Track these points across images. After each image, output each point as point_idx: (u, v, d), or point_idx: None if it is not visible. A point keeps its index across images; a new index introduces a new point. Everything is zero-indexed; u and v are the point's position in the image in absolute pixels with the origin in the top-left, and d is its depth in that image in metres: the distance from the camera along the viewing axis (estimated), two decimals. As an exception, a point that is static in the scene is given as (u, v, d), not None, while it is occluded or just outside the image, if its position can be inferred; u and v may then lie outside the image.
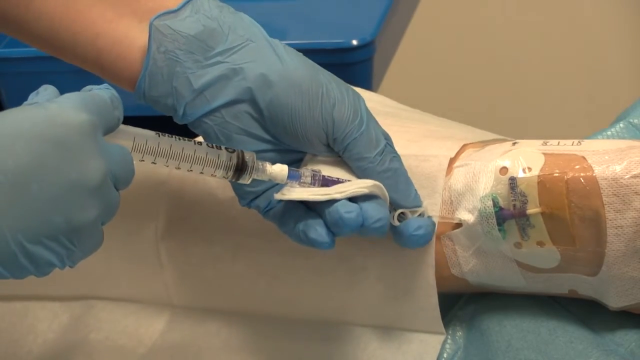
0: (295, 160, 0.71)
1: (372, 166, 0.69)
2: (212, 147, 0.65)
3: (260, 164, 0.67)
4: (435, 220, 0.71)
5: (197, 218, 0.80)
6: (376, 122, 0.71)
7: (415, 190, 0.71)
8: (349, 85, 0.71)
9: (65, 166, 0.55)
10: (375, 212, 0.67)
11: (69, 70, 1.14)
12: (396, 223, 0.69)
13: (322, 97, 0.68)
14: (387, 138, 0.71)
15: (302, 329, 0.78)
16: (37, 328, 0.86)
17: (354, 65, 1.08)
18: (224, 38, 0.68)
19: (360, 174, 0.70)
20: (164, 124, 1.17)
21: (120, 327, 0.83)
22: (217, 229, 0.79)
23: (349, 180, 0.69)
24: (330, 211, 0.67)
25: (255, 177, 0.67)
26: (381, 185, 0.69)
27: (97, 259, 0.83)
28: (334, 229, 0.67)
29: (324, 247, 0.68)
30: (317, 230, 0.68)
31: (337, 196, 0.67)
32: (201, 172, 0.65)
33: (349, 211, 0.66)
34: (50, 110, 0.56)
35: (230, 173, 0.66)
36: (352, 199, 0.68)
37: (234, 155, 0.66)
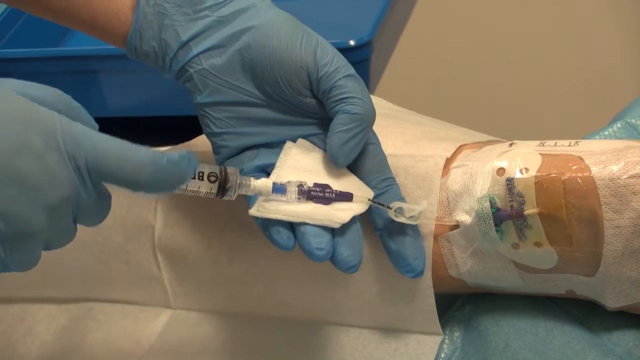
0: (278, 120, 0.71)
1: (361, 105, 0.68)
2: (194, 177, 0.65)
3: (244, 179, 0.67)
4: (432, 217, 0.72)
5: (194, 220, 0.80)
6: None
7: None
8: None
9: (32, 169, 0.54)
10: (348, 253, 0.68)
11: (69, 71, 1.14)
12: (394, 218, 0.69)
13: (302, 39, 0.68)
14: None
15: (299, 331, 0.78)
16: (35, 330, 0.86)
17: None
18: None
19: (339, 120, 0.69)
20: (162, 123, 1.17)
21: (118, 329, 0.83)
22: (214, 232, 0.79)
23: (337, 192, 0.69)
24: (302, 239, 0.67)
25: (240, 193, 0.67)
26: (364, 203, 0.69)
27: (94, 261, 0.83)
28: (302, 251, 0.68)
29: (284, 250, 0.68)
30: (280, 232, 0.68)
31: (309, 221, 0.68)
32: (184, 193, 0.66)
33: (320, 248, 0.67)
34: (60, 121, 0.56)
35: (212, 195, 0.66)
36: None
37: (215, 186, 0.66)
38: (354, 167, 0.71)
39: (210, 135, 0.71)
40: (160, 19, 0.69)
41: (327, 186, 0.69)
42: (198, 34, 0.69)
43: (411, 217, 0.69)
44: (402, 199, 0.71)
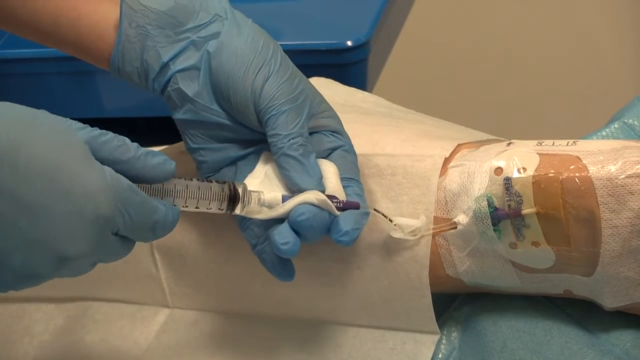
0: (247, 139, 0.72)
1: (279, 145, 0.69)
2: (203, 180, 0.66)
3: (253, 193, 0.68)
4: (430, 218, 0.72)
5: (192, 219, 0.80)
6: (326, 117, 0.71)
7: (317, 182, 0.70)
8: (307, 79, 0.71)
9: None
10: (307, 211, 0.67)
11: (67, 71, 1.14)
12: (393, 234, 0.71)
13: (260, 70, 0.69)
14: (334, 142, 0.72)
15: (297, 330, 0.78)
16: (33, 330, 0.86)
17: (348, 65, 1.09)
18: (194, 15, 0.70)
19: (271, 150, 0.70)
20: (160, 123, 1.17)
21: (116, 329, 0.83)
22: (212, 231, 0.79)
23: (344, 202, 0.69)
24: (271, 238, 0.68)
25: (250, 206, 0.67)
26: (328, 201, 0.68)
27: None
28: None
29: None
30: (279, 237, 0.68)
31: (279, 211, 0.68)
32: (197, 207, 0.66)
33: (285, 242, 0.67)
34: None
35: (223, 210, 0.67)
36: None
37: (226, 186, 0.66)
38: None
39: (190, 151, 0.73)
40: (142, 41, 0.70)
41: (333, 197, 0.69)
42: (177, 55, 0.70)
43: (410, 232, 0.70)
44: (360, 196, 0.71)
